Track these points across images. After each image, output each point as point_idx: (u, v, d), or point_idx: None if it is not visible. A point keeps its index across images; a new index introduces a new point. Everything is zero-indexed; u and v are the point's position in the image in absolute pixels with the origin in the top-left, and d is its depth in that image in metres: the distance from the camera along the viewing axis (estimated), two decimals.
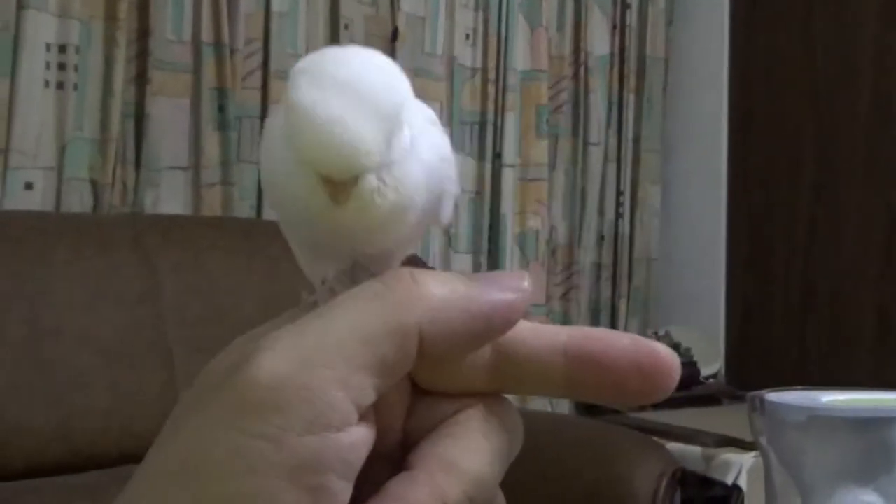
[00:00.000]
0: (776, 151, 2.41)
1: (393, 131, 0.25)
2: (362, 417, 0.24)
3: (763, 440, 0.40)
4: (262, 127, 1.95)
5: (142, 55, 1.81)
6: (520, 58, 2.34)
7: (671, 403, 1.95)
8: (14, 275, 1.48)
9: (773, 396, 0.39)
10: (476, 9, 2.28)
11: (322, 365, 0.24)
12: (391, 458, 0.26)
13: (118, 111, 1.76)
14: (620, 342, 0.26)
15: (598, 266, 2.50)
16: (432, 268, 2.07)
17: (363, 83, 0.25)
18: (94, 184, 1.76)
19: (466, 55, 2.28)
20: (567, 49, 2.45)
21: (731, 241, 2.49)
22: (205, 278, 1.63)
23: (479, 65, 2.29)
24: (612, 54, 2.51)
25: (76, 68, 1.74)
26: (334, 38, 2.05)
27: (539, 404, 2.11)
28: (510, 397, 0.27)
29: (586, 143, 2.47)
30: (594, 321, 2.49)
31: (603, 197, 2.50)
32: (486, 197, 2.29)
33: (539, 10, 2.37)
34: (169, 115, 1.85)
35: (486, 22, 2.29)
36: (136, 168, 1.81)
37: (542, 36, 2.38)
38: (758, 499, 1.68)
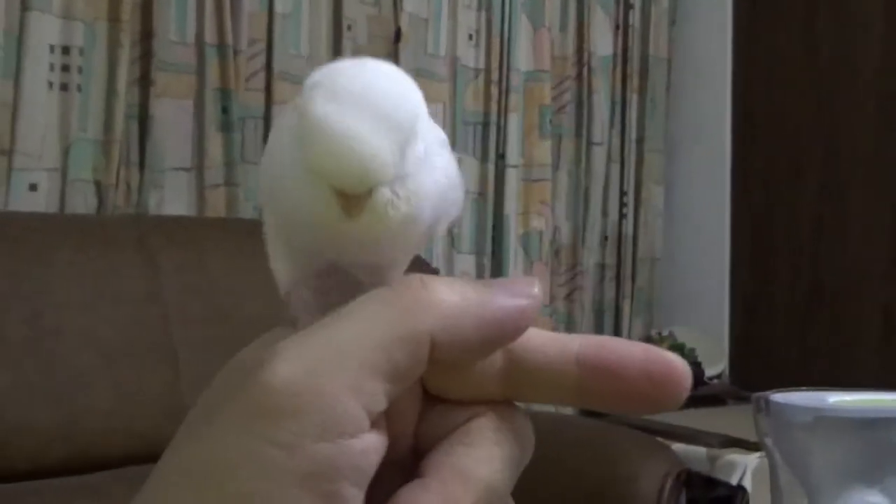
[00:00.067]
0: (780, 151, 2.41)
1: (407, 143, 0.25)
2: (374, 424, 0.24)
3: (768, 441, 0.40)
4: (265, 128, 1.97)
5: (145, 56, 1.81)
6: (523, 58, 2.34)
7: None
8: (18, 275, 1.48)
9: (779, 397, 0.39)
10: (479, 9, 2.28)
11: (335, 371, 0.24)
12: (403, 465, 0.26)
13: (122, 112, 1.76)
14: (633, 351, 0.26)
15: (602, 266, 2.50)
16: (436, 269, 2.07)
17: (378, 96, 0.25)
18: (97, 185, 1.76)
19: (469, 56, 2.28)
20: (570, 49, 2.45)
21: (734, 241, 2.48)
22: (208, 279, 1.63)
23: (482, 65, 2.29)
24: (615, 54, 2.51)
25: (80, 70, 1.74)
26: (337, 39, 2.05)
27: (543, 405, 2.11)
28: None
29: (589, 144, 2.47)
30: (598, 322, 2.49)
31: (606, 197, 2.49)
32: (490, 198, 2.29)
33: (542, 11, 2.37)
34: (172, 116, 1.85)
35: (488, 22, 2.29)
36: (139, 169, 1.81)
37: (544, 36, 2.38)
38: (763, 499, 1.68)
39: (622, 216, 2.51)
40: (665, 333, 2.40)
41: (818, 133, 2.32)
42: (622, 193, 2.52)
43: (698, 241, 2.55)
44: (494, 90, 2.29)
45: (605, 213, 2.49)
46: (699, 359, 2.28)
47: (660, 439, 1.66)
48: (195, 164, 1.89)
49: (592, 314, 2.48)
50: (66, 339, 1.48)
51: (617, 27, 2.51)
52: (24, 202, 1.69)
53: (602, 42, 2.48)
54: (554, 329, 2.32)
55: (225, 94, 1.89)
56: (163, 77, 1.83)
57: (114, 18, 1.76)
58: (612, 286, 2.50)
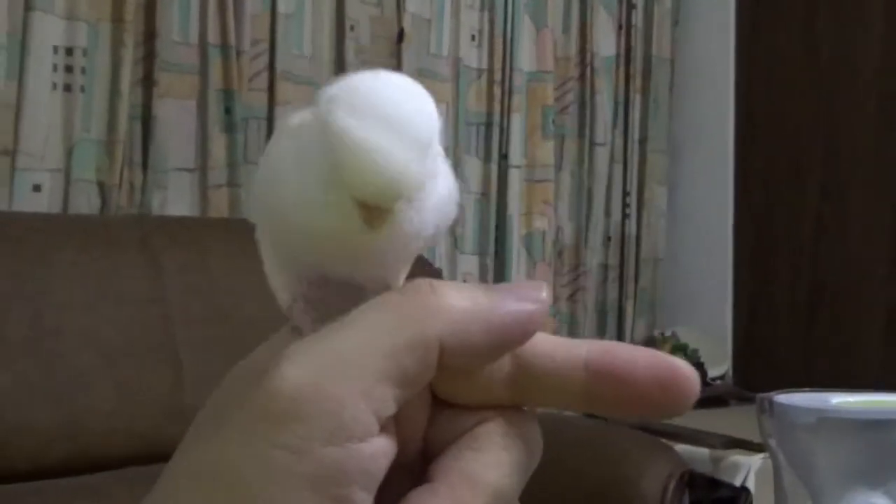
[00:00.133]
0: (782, 151, 2.41)
1: (426, 157, 0.26)
2: (383, 429, 0.24)
3: (772, 442, 0.40)
4: (268, 128, 1.97)
5: (148, 57, 1.81)
6: (525, 59, 2.34)
7: None
8: (21, 275, 1.48)
9: (783, 398, 0.39)
10: (481, 10, 2.28)
11: (344, 376, 0.24)
12: (411, 470, 0.26)
13: (125, 113, 1.77)
14: (640, 357, 0.26)
15: (605, 267, 2.49)
16: (439, 269, 2.07)
17: (401, 111, 0.25)
18: (101, 185, 1.76)
19: (472, 56, 2.28)
20: (573, 50, 2.45)
21: (737, 242, 2.48)
22: (211, 279, 1.63)
23: (484, 66, 2.29)
24: (617, 55, 2.51)
25: (83, 70, 1.75)
26: (340, 40, 2.05)
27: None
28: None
29: (592, 144, 2.46)
30: (601, 322, 2.49)
31: (609, 198, 2.49)
32: (493, 198, 2.29)
33: (545, 11, 2.37)
34: (176, 116, 1.85)
35: (491, 23, 2.29)
36: (143, 170, 1.81)
37: (547, 37, 2.38)
38: (766, 501, 1.68)
39: (625, 216, 2.51)
40: (668, 334, 2.39)
41: (821, 133, 2.32)
42: (625, 194, 2.52)
43: (701, 242, 2.55)
44: (497, 90, 2.29)
45: (607, 214, 2.49)
46: (702, 359, 2.28)
47: (663, 440, 1.66)
48: (198, 165, 1.89)
49: (595, 315, 2.48)
50: (68, 339, 1.48)
51: (620, 27, 2.51)
52: (27, 202, 1.69)
53: (605, 42, 2.48)
54: (556, 330, 2.32)
55: (228, 94, 1.89)
56: (166, 77, 1.83)
57: (117, 19, 1.76)
58: (615, 287, 2.50)
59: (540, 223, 2.35)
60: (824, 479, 0.38)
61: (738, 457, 1.75)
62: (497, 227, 2.30)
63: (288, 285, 0.29)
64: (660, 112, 2.56)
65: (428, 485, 0.25)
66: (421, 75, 2.17)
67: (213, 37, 1.87)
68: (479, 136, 2.29)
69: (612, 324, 2.50)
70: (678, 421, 1.88)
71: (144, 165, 1.82)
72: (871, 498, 0.38)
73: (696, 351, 2.30)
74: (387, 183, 0.25)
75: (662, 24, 2.56)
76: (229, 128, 1.90)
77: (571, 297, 2.43)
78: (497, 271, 2.29)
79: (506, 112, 2.30)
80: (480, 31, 2.29)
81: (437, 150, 0.28)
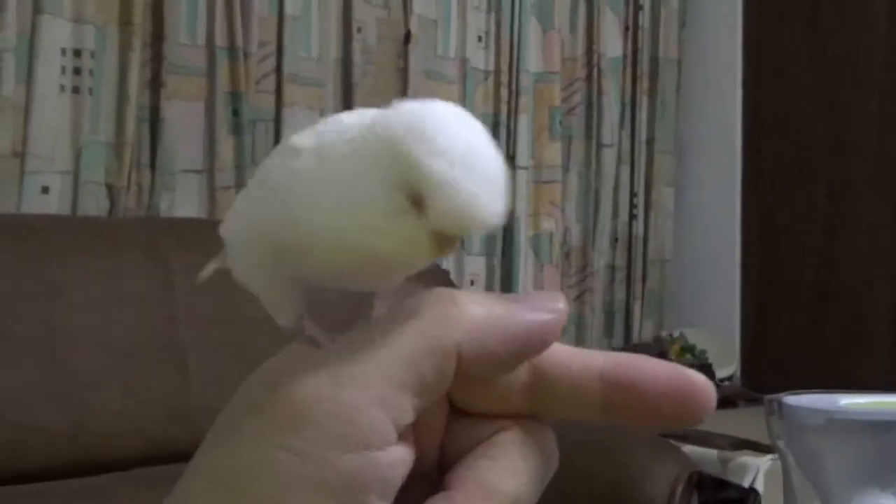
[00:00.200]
0: (790, 152, 2.40)
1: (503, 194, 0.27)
2: (401, 437, 0.24)
3: (781, 443, 0.40)
4: (276, 130, 1.97)
5: (156, 59, 1.82)
6: (532, 60, 2.34)
7: None
8: (29, 276, 1.48)
9: (791, 399, 0.39)
10: (488, 11, 2.28)
11: (363, 384, 0.24)
12: (428, 478, 0.26)
13: (133, 115, 1.77)
14: (657, 369, 0.26)
15: (612, 268, 2.49)
16: (446, 271, 2.07)
17: (484, 153, 0.26)
18: (109, 187, 1.77)
19: (479, 57, 2.28)
20: (580, 51, 2.44)
21: (745, 242, 2.48)
22: (219, 281, 1.63)
23: (491, 67, 2.29)
24: (624, 56, 2.50)
25: (91, 73, 1.75)
26: (347, 42, 2.06)
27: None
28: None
29: (599, 145, 2.46)
30: (608, 323, 2.49)
31: (616, 199, 2.49)
32: None
33: (551, 12, 2.37)
34: (183, 118, 1.86)
35: (498, 24, 2.29)
36: (151, 171, 1.82)
37: (554, 38, 2.38)
38: (775, 502, 1.67)
39: (632, 217, 2.51)
40: (676, 335, 2.39)
41: (828, 133, 2.32)
42: (632, 195, 2.51)
43: (709, 243, 2.54)
44: (504, 92, 2.29)
45: (615, 215, 2.49)
46: (710, 360, 2.27)
47: (671, 441, 1.66)
48: (206, 167, 1.89)
49: (603, 316, 2.48)
50: (76, 340, 1.48)
51: (626, 28, 2.51)
52: (36, 204, 1.69)
53: (612, 43, 2.48)
54: (563, 331, 2.32)
55: (235, 96, 1.89)
56: (173, 80, 1.84)
57: (125, 21, 1.77)
58: (623, 288, 2.50)
59: (547, 224, 2.35)
60: (833, 480, 0.38)
61: (746, 458, 1.74)
62: (504, 228, 2.30)
63: (291, 301, 0.30)
64: (667, 113, 2.56)
65: (444, 493, 0.25)
66: (427, 77, 2.17)
67: (220, 39, 1.87)
68: None
69: (619, 325, 2.50)
70: None
71: (152, 167, 1.82)
72: (880, 499, 0.37)
73: (703, 352, 2.30)
74: (475, 225, 0.26)
75: (669, 25, 2.55)
76: (237, 130, 1.90)
77: (579, 298, 2.43)
78: (504, 272, 2.29)
79: (513, 113, 2.30)
80: (487, 33, 2.29)
81: None
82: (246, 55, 1.90)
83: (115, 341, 1.51)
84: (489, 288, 2.26)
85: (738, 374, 2.41)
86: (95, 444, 1.47)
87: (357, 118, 0.28)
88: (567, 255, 2.42)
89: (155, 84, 1.82)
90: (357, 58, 2.06)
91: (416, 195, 0.26)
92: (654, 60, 2.54)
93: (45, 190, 1.72)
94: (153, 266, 1.59)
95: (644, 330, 2.50)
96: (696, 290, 2.55)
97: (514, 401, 0.26)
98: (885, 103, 2.21)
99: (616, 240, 2.49)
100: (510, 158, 2.30)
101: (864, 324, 2.23)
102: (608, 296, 2.49)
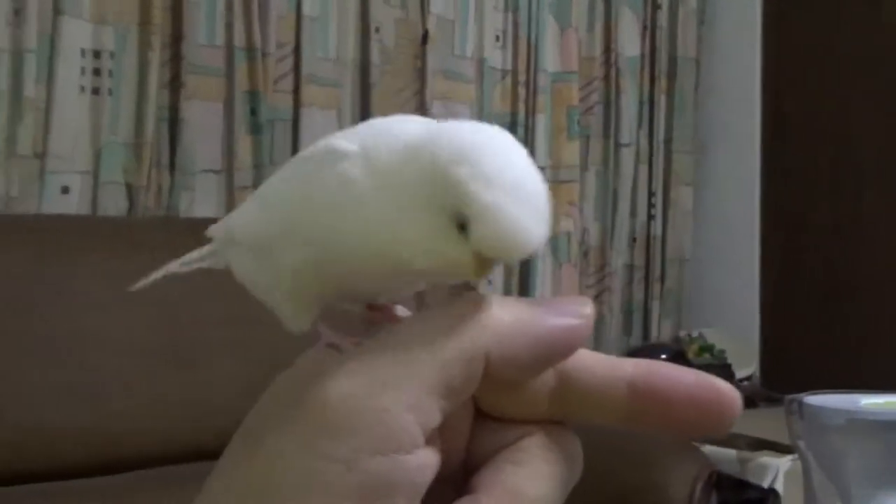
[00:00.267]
0: (810, 151, 2.39)
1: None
2: (429, 440, 0.25)
3: (801, 443, 0.40)
4: (294, 130, 1.97)
5: (175, 60, 1.83)
6: (550, 59, 2.34)
7: None
8: (49, 277, 1.49)
9: (812, 399, 0.39)
10: (505, 10, 2.28)
11: (392, 387, 0.24)
12: (454, 481, 0.26)
13: (152, 115, 1.78)
14: (683, 378, 0.26)
15: (631, 268, 2.48)
16: None
17: (532, 183, 0.27)
18: (129, 187, 1.78)
19: (496, 57, 2.27)
20: (597, 50, 2.44)
21: (764, 242, 2.46)
22: (235, 281, 1.64)
23: (508, 66, 2.29)
24: (642, 55, 2.50)
25: (111, 73, 1.76)
26: (364, 42, 2.06)
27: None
28: None
29: (617, 145, 2.46)
30: (627, 323, 2.48)
31: (635, 198, 2.48)
32: None
33: (569, 11, 2.36)
34: (202, 118, 1.87)
35: (515, 23, 2.29)
36: (170, 171, 1.83)
37: (572, 37, 2.37)
38: (795, 502, 1.66)
39: (651, 217, 2.50)
40: (694, 335, 2.38)
41: (848, 132, 2.30)
42: (650, 194, 2.50)
43: (728, 242, 2.53)
44: (522, 91, 2.28)
45: (633, 214, 2.48)
46: (729, 360, 2.26)
47: (690, 441, 1.65)
48: (224, 167, 1.90)
49: (621, 316, 2.47)
50: (97, 340, 1.49)
51: (644, 27, 2.50)
52: (56, 204, 1.71)
53: (630, 42, 2.47)
54: None
55: (254, 96, 1.90)
56: (192, 80, 1.84)
57: (144, 22, 1.78)
58: (641, 287, 2.49)
59: (565, 224, 2.34)
60: (854, 480, 0.38)
61: (766, 458, 1.73)
62: None
63: (307, 306, 0.30)
64: (685, 112, 2.55)
65: (470, 497, 0.25)
66: (445, 76, 2.17)
67: (238, 39, 1.88)
68: None
69: (638, 325, 2.49)
70: None
71: (171, 167, 1.83)
72: None
73: (722, 352, 2.29)
74: (517, 250, 0.27)
75: (687, 23, 2.54)
76: (255, 129, 1.91)
77: (597, 298, 2.43)
78: (522, 272, 2.29)
79: (530, 113, 2.30)
80: (505, 32, 2.28)
81: None
82: (264, 55, 1.91)
83: (137, 341, 1.52)
84: (506, 287, 2.26)
85: (758, 374, 2.40)
86: (111, 443, 1.47)
87: (401, 127, 0.29)
88: (585, 255, 2.42)
89: (174, 84, 1.83)
90: (375, 58, 2.06)
91: (460, 218, 0.26)
92: (673, 59, 2.53)
93: (66, 190, 1.73)
94: None
95: (662, 330, 2.50)
96: (715, 289, 2.54)
97: (540, 406, 0.26)
98: None
99: (634, 239, 2.49)
100: None
101: (884, 324, 2.21)
102: (626, 296, 2.48)
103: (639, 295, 2.49)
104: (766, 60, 2.48)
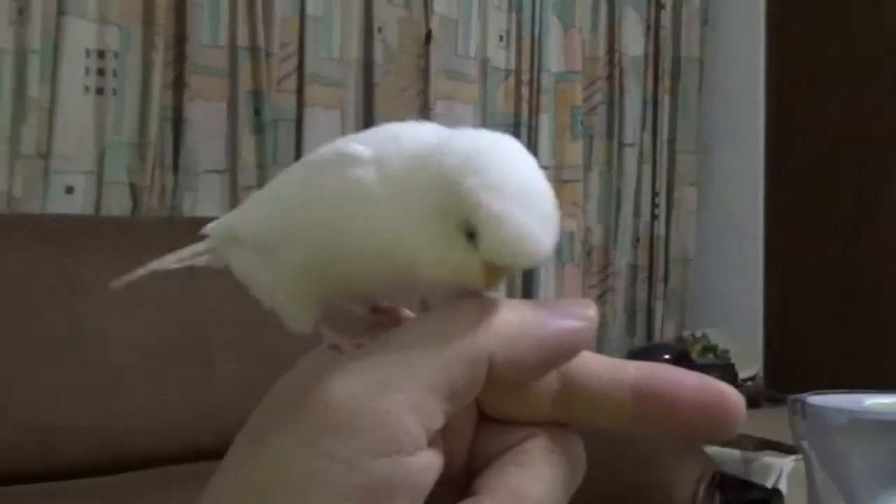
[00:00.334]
0: (814, 151, 2.38)
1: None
2: (431, 442, 0.25)
3: (805, 443, 0.40)
4: (297, 130, 1.97)
5: (179, 60, 1.83)
6: (553, 59, 2.33)
7: None
8: (54, 276, 1.50)
9: (815, 399, 0.39)
10: (509, 10, 2.28)
11: (395, 389, 0.24)
12: (456, 483, 0.26)
13: (156, 115, 1.78)
14: (687, 381, 0.26)
15: (634, 268, 2.48)
16: None
17: (541, 194, 0.27)
18: (133, 187, 1.78)
19: (500, 57, 2.28)
20: (601, 50, 2.44)
21: (768, 242, 2.46)
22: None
23: (512, 66, 2.29)
24: (646, 55, 2.49)
25: (115, 73, 1.77)
26: (368, 42, 2.06)
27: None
28: None
29: (621, 145, 2.46)
30: (630, 323, 2.48)
31: (638, 198, 2.48)
32: None
33: (572, 11, 2.36)
34: (206, 118, 1.87)
35: (519, 23, 2.29)
36: (174, 171, 1.83)
37: (575, 37, 2.37)
38: (799, 503, 1.66)
39: (654, 217, 2.50)
40: (698, 335, 2.38)
41: (853, 131, 2.30)
42: (654, 194, 2.50)
43: (731, 242, 2.53)
44: (525, 91, 2.28)
45: (637, 214, 2.48)
46: (732, 360, 2.26)
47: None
48: (228, 166, 1.90)
49: (625, 316, 2.47)
50: (101, 340, 1.49)
51: (648, 27, 2.50)
52: (60, 204, 1.71)
53: (633, 42, 2.47)
54: None
55: (257, 96, 1.90)
56: (196, 80, 1.85)
57: (148, 22, 1.78)
58: (645, 287, 2.49)
59: (569, 224, 2.34)
60: (857, 481, 0.38)
61: (769, 458, 1.73)
62: None
63: (308, 307, 0.30)
64: (689, 112, 2.54)
65: (474, 498, 0.25)
66: (449, 76, 2.17)
67: (242, 39, 1.88)
68: None
69: (641, 325, 2.49)
70: None
71: (175, 167, 1.83)
72: None
73: (726, 352, 2.28)
74: (525, 259, 0.27)
75: (691, 23, 2.54)
76: (259, 129, 1.91)
77: (601, 298, 2.42)
78: (525, 273, 2.29)
79: (534, 113, 2.30)
80: (508, 32, 2.28)
81: None
82: (268, 55, 1.91)
83: (139, 341, 1.52)
84: (509, 287, 2.26)
85: (761, 374, 2.40)
86: (120, 443, 1.48)
87: (412, 134, 0.29)
88: (588, 255, 2.41)
89: (178, 84, 1.83)
90: (378, 58, 2.06)
91: (468, 227, 0.26)
92: (676, 59, 2.53)
93: (70, 190, 1.73)
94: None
95: (666, 330, 2.49)
96: (719, 289, 2.53)
97: (544, 408, 0.26)
98: None
99: (638, 239, 2.49)
100: None
101: (888, 323, 2.21)
102: (630, 296, 2.48)
103: (642, 295, 2.49)
104: (770, 60, 2.48)
